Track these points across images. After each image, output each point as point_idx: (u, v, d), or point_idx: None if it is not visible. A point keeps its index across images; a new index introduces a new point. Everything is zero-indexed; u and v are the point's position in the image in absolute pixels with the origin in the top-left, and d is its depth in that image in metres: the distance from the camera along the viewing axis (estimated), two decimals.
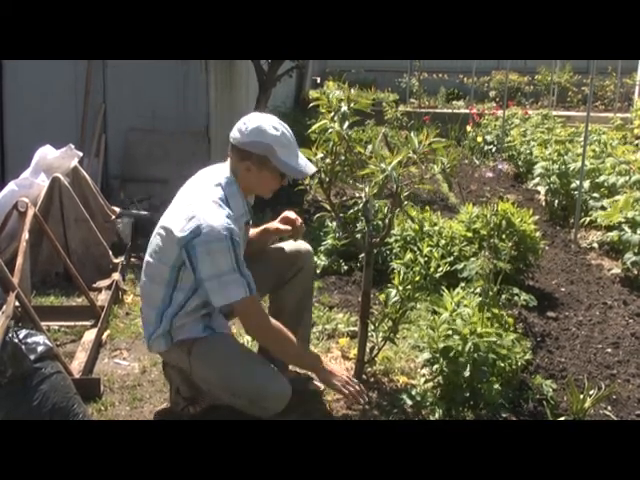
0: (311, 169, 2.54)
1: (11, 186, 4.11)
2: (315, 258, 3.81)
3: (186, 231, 2.34)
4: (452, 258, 3.93)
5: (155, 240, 2.52)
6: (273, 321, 2.49)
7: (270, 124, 2.46)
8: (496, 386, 2.59)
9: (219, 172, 2.54)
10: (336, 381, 2.55)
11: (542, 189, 6.75)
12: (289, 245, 2.83)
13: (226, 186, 2.47)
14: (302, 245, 2.86)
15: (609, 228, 4.98)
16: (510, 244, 3.47)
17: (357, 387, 2.57)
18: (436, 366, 2.65)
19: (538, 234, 4.16)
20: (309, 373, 2.93)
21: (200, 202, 2.40)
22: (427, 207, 4.66)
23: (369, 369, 2.99)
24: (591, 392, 2.77)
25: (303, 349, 2.72)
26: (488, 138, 9.52)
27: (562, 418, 2.68)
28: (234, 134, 2.47)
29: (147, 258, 2.55)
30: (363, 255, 2.88)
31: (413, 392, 2.71)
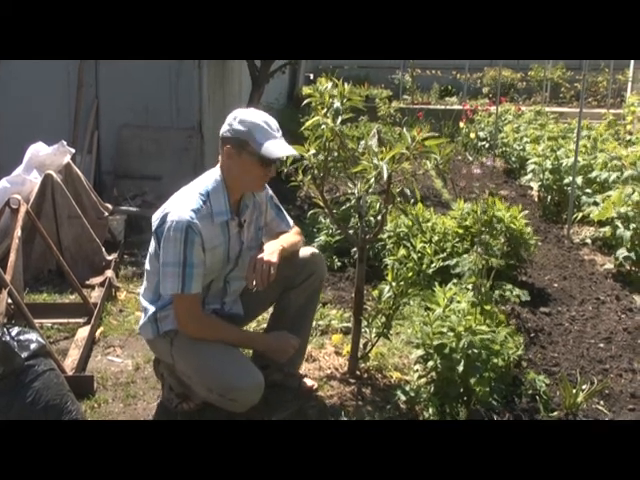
0: (290, 151, 2.51)
1: (3, 183, 4.09)
2: None
3: (158, 219, 2.48)
4: (445, 254, 3.94)
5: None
6: (206, 320, 2.53)
7: (251, 112, 2.52)
8: (487, 389, 2.58)
9: (214, 170, 2.59)
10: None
11: (535, 185, 6.77)
12: (302, 251, 2.80)
13: (213, 182, 2.53)
14: (315, 253, 2.83)
15: (602, 224, 4.99)
16: (502, 240, 3.47)
17: (295, 344, 2.62)
18: (430, 363, 2.66)
19: (529, 229, 4.16)
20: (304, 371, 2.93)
21: (178, 194, 2.52)
22: (420, 203, 4.66)
23: (362, 365, 3.00)
24: (584, 387, 2.78)
25: (244, 333, 2.76)
26: (481, 134, 9.54)
27: (555, 413, 2.69)
28: (222, 129, 2.53)
29: (150, 249, 2.60)
30: (356, 251, 2.87)
31: (407, 388, 2.71)
